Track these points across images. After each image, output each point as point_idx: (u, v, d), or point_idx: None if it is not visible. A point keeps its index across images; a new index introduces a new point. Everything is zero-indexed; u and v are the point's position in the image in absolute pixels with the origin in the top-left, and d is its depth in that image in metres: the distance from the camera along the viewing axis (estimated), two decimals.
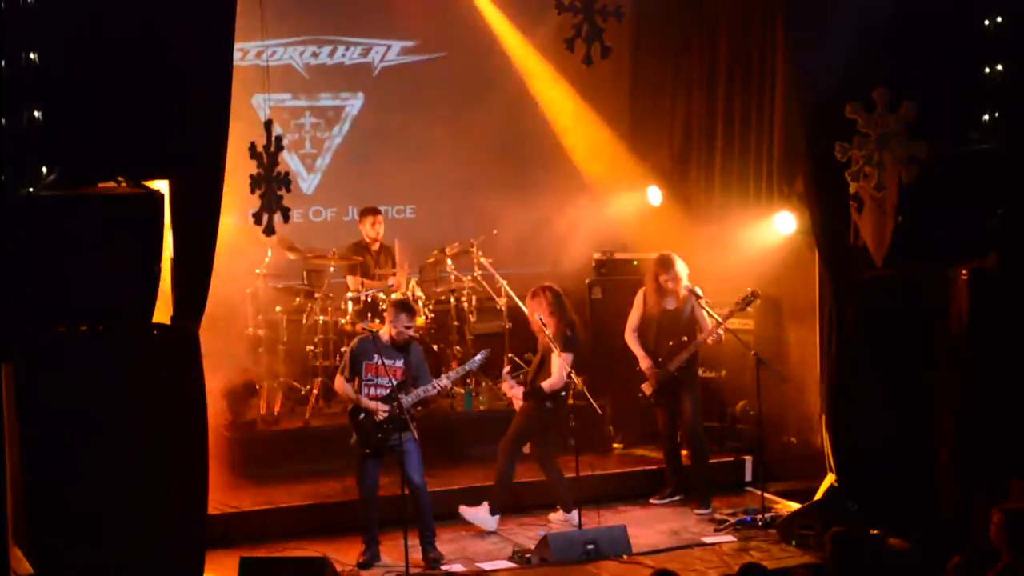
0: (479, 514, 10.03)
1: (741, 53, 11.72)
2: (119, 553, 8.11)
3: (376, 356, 9.38)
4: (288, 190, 8.19)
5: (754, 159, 11.62)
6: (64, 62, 7.96)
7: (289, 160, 12.81)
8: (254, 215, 8.20)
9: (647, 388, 10.63)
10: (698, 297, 10.48)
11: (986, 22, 9.04)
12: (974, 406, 9.25)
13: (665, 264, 10.55)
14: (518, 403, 10.15)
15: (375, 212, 12.23)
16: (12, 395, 7.95)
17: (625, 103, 13.36)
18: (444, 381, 9.68)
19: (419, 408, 9.96)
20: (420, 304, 11.55)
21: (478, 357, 9.82)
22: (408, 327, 9.46)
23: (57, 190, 7.91)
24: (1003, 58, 9.02)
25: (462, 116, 13.00)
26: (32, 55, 7.84)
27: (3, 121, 7.69)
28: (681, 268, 10.52)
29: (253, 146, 8.19)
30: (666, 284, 10.52)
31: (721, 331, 10.42)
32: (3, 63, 7.70)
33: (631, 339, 10.72)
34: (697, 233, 11.94)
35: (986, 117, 9.08)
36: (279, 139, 7.86)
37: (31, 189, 7.82)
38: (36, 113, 7.85)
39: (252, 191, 8.20)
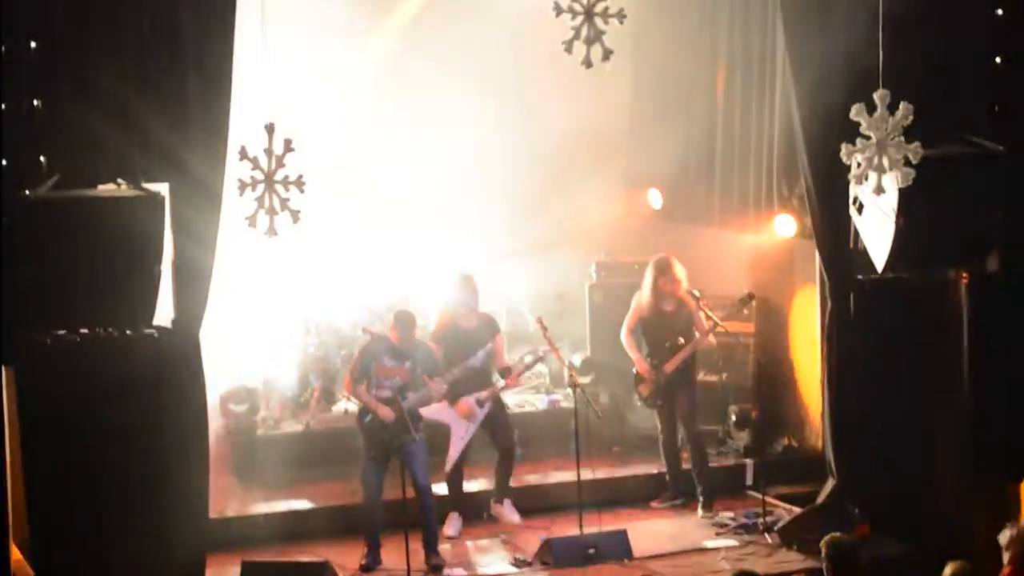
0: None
1: (741, 54, 11.70)
2: (120, 557, 8.10)
3: (384, 358, 9.38)
4: (302, 191, 8.12)
5: (754, 162, 11.60)
6: (64, 65, 7.97)
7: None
8: (247, 218, 8.14)
9: (644, 390, 10.64)
10: (697, 299, 10.47)
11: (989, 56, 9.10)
12: (975, 409, 9.25)
13: (662, 266, 10.54)
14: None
15: None
16: (13, 398, 7.95)
17: (625, 105, 13.33)
18: (442, 385, 9.66)
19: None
20: None
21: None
22: (405, 339, 9.45)
23: (58, 192, 7.91)
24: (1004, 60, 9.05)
25: (462, 119, 12.98)
26: (32, 58, 7.87)
27: (3, 124, 7.69)
28: (679, 270, 10.51)
29: (244, 149, 8.14)
30: (664, 287, 10.50)
31: (713, 336, 10.41)
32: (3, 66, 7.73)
33: (627, 341, 10.71)
34: (697, 236, 11.94)
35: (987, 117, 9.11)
36: (288, 142, 7.84)
37: (32, 191, 7.82)
38: (36, 116, 7.86)
39: (240, 193, 8.12)
